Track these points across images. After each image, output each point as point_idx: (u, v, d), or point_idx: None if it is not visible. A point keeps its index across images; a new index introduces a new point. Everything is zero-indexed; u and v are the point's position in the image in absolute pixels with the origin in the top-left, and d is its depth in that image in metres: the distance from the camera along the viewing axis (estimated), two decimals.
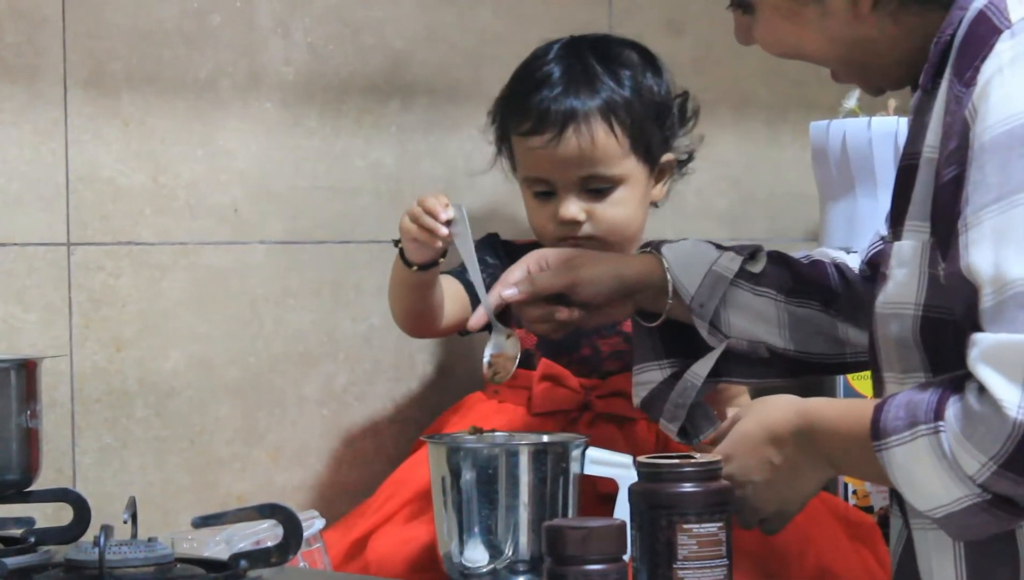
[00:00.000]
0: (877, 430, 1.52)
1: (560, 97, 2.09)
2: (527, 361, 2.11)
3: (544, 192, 2.12)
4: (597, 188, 2.10)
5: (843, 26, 1.63)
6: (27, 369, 1.78)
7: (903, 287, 1.60)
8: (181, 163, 2.09)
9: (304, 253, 2.17)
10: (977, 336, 1.45)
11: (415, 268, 1.99)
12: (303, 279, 2.17)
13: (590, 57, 2.13)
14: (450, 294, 2.10)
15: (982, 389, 1.44)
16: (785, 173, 2.52)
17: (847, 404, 1.69)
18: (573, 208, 2.10)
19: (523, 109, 2.11)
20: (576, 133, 2.08)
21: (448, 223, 1.92)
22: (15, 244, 1.98)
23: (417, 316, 2.07)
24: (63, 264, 2.01)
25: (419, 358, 2.25)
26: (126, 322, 2.05)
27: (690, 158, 2.19)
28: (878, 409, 1.52)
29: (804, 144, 2.41)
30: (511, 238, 2.22)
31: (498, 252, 2.17)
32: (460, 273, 2.10)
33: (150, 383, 2.06)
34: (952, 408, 1.46)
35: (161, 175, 2.08)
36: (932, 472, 1.48)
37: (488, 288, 2.04)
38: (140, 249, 2.06)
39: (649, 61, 2.15)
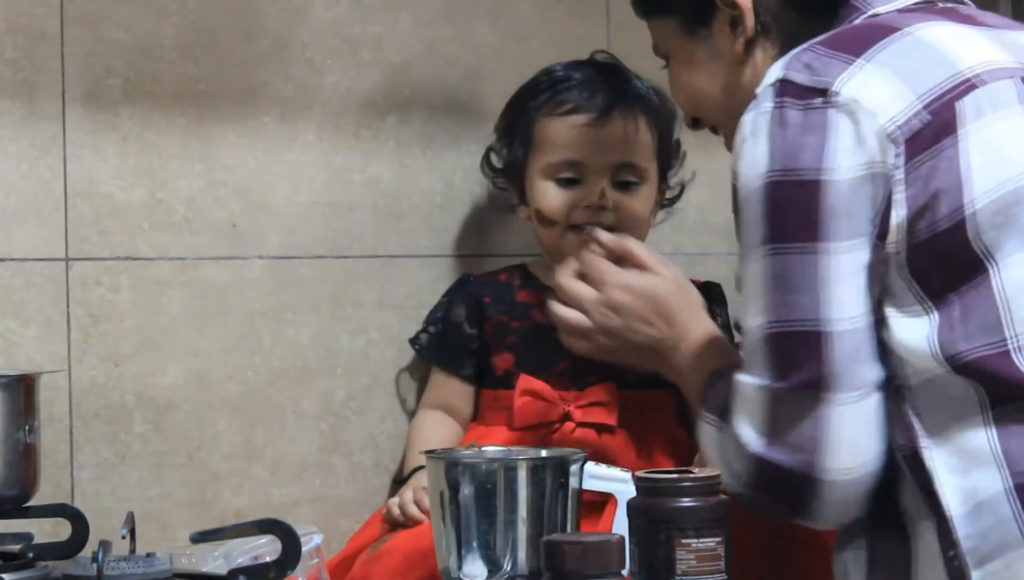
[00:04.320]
0: (704, 400, 1.68)
1: (602, 85, 2.11)
2: (506, 381, 2.12)
3: (570, 178, 2.10)
4: (625, 181, 2.10)
5: (727, 68, 1.73)
6: (25, 384, 1.78)
7: None
8: (179, 178, 2.09)
9: (302, 268, 2.17)
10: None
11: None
12: (301, 294, 2.17)
13: (617, 65, 2.16)
14: (456, 395, 2.15)
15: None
16: None
17: (707, 357, 1.78)
18: (604, 192, 2.08)
19: (562, 93, 2.11)
20: (622, 116, 2.10)
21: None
22: (13, 259, 1.99)
23: None
24: (61, 279, 2.01)
25: (417, 373, 2.24)
26: (124, 337, 2.04)
27: (679, 196, 2.20)
28: (706, 385, 1.69)
29: None
30: (488, 263, 2.24)
31: (470, 307, 2.16)
32: (458, 368, 2.15)
33: (148, 398, 2.06)
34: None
35: (159, 190, 2.08)
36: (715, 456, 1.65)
37: (454, 350, 2.13)
38: (138, 264, 2.06)
39: (663, 95, 2.16)
